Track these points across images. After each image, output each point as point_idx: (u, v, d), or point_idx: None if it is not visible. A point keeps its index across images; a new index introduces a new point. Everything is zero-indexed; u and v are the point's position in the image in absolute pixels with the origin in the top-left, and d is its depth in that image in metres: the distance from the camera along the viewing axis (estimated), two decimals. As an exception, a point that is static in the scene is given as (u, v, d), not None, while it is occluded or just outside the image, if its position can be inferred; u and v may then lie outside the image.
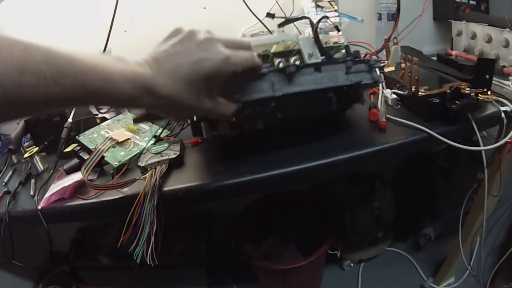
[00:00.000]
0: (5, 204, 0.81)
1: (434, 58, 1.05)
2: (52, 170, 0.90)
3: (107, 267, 1.15)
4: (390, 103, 0.80)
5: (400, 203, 1.17)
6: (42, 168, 0.96)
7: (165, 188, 0.65)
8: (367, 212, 1.10)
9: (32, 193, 0.84)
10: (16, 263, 0.87)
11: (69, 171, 0.83)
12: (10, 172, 1.06)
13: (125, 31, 1.06)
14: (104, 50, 0.93)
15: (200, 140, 0.77)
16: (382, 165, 1.22)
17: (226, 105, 0.54)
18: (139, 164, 0.70)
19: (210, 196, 0.64)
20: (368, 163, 0.67)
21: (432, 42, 1.18)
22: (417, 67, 0.70)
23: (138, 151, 0.76)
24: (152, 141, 0.78)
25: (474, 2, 1.11)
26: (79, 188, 0.75)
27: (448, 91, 0.69)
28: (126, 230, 0.63)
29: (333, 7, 1.00)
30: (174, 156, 0.70)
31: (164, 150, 0.72)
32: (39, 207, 0.74)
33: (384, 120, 0.71)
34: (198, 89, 0.47)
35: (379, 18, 1.07)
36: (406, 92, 0.76)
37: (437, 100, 0.69)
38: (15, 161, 1.11)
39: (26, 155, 0.95)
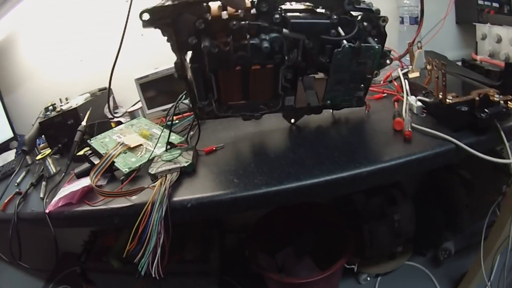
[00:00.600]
0: (15, 205, 0.79)
1: (459, 63, 0.98)
2: (63, 173, 0.86)
3: (117, 270, 1.10)
4: (415, 111, 0.72)
5: (420, 215, 1.08)
6: (54, 171, 0.93)
7: (175, 198, 0.60)
8: (387, 225, 1.02)
9: (42, 195, 0.81)
10: (23, 265, 0.83)
11: (80, 175, 0.79)
12: (24, 173, 1.03)
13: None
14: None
15: (214, 148, 0.71)
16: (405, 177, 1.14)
17: None
18: (149, 171, 0.65)
19: (222, 209, 0.59)
20: (392, 177, 0.60)
21: (455, 46, 1.10)
22: (445, 72, 0.62)
23: (150, 157, 0.70)
24: (164, 148, 0.72)
25: (497, 5, 1.04)
26: (87, 194, 0.71)
27: (477, 98, 0.62)
28: (132, 239, 0.58)
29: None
30: (186, 164, 0.64)
31: (176, 157, 0.66)
32: (47, 211, 0.71)
33: (409, 129, 0.64)
34: None
35: (401, 22, 1.00)
36: (432, 100, 0.69)
37: (466, 108, 0.62)
38: (29, 161, 1.08)
39: (39, 157, 0.91)
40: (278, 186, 0.56)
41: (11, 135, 1.25)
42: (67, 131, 0.97)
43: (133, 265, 0.58)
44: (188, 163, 0.64)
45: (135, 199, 0.62)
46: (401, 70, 0.82)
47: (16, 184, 0.96)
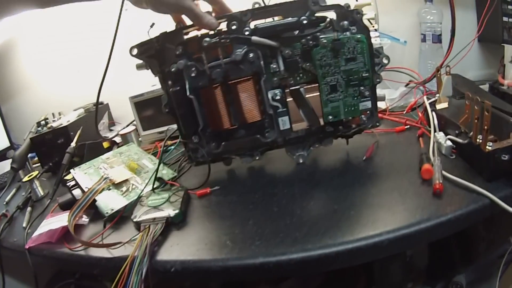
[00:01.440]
0: None
1: (482, 86, 0.82)
2: (49, 200, 0.75)
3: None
4: (443, 151, 0.58)
5: (433, 246, 0.94)
6: (41, 194, 0.82)
7: (158, 257, 0.46)
8: (399, 261, 0.88)
9: (24, 224, 0.70)
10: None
11: (64, 207, 0.68)
12: (14, 190, 0.92)
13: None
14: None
15: (209, 191, 0.58)
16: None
17: (206, 14, 0.53)
18: (132, 218, 0.53)
19: (210, 277, 0.46)
20: (417, 244, 0.46)
21: (476, 66, 0.95)
22: (490, 114, 0.48)
23: (136, 197, 0.57)
24: (152, 186, 0.59)
25: None
26: (68, 232, 0.58)
27: None
28: None
29: (373, 26, 0.78)
30: (173, 214, 0.51)
31: (163, 203, 0.52)
32: (27, 246, 0.61)
33: (440, 182, 0.49)
34: None
35: (423, 40, 0.85)
36: (466, 141, 0.54)
37: (507, 157, 0.48)
38: (21, 176, 0.97)
39: (25, 179, 0.79)
40: (279, 256, 0.42)
41: (7, 144, 1.14)
42: (58, 150, 0.86)
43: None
44: (176, 213, 0.51)
45: (115, 250, 0.50)
46: (427, 99, 0.66)
47: (5, 202, 0.87)
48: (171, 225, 0.51)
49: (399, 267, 0.88)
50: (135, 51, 0.59)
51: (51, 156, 0.88)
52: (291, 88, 0.59)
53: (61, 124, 0.86)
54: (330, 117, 0.59)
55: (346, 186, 0.53)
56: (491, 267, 0.83)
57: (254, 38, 0.56)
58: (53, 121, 0.92)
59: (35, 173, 0.80)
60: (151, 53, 0.59)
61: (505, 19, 0.87)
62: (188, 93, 0.58)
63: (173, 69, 0.58)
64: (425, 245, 0.88)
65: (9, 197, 0.88)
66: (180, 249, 0.47)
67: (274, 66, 0.58)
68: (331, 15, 0.57)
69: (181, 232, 0.50)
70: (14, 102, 1.15)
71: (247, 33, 0.56)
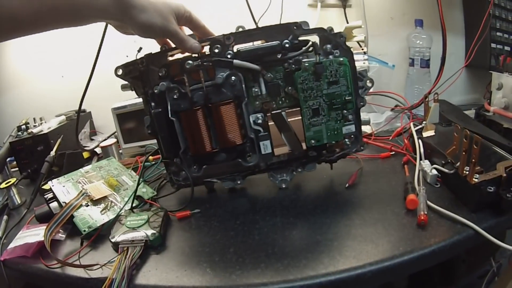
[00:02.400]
0: None
1: (468, 111, 0.83)
2: (26, 210, 0.72)
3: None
4: (428, 180, 0.58)
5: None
6: (19, 202, 0.78)
7: (136, 282, 0.44)
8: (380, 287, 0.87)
9: (0, 234, 0.66)
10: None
11: (40, 219, 0.66)
12: (-10, 196, 0.88)
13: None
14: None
15: (189, 214, 0.56)
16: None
17: (189, 38, 0.54)
18: (110, 238, 0.51)
19: None
20: (400, 275, 0.46)
21: (462, 91, 0.96)
22: (479, 147, 0.48)
23: (114, 216, 0.55)
24: (131, 205, 0.57)
25: (508, 48, 0.90)
26: (44, 247, 0.55)
27: (504, 174, 0.48)
28: None
29: (362, 49, 0.78)
30: (151, 237, 0.49)
31: (142, 225, 0.50)
32: (2, 258, 0.57)
33: (425, 213, 0.49)
34: (165, 15, 0.50)
35: (411, 64, 0.85)
36: (453, 172, 0.54)
37: (492, 189, 0.48)
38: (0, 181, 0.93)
39: (2, 185, 0.76)
40: (261, 287, 0.40)
41: (-14, 144, 1.09)
42: (37, 157, 0.82)
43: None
44: (155, 236, 0.49)
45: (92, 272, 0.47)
46: (414, 125, 0.66)
47: None
48: (150, 248, 0.49)
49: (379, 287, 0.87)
50: (120, 72, 0.58)
51: (30, 163, 0.84)
52: (272, 112, 0.58)
53: (42, 131, 0.83)
54: (313, 141, 0.58)
55: (329, 215, 0.52)
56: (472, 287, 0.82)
57: (236, 61, 0.55)
58: (34, 126, 0.88)
59: (12, 180, 0.77)
60: (135, 74, 0.58)
61: (493, 45, 0.89)
62: (170, 115, 0.57)
63: (156, 91, 0.57)
64: (409, 274, 0.89)
65: (-16, 203, 0.85)
66: (159, 274, 0.45)
67: (256, 89, 0.58)
68: (315, 38, 0.57)
69: (160, 256, 0.48)
70: None
71: (229, 56, 0.56)
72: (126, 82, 0.60)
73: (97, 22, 0.48)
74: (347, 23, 0.86)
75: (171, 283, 0.43)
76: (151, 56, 0.57)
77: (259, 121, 0.58)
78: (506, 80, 0.77)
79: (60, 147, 0.79)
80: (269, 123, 0.58)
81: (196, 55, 0.56)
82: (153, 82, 0.57)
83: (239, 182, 0.61)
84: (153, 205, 0.59)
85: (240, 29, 0.57)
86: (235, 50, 0.56)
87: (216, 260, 0.46)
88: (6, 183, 0.76)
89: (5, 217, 0.72)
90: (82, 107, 0.82)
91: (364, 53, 0.77)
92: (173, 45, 0.56)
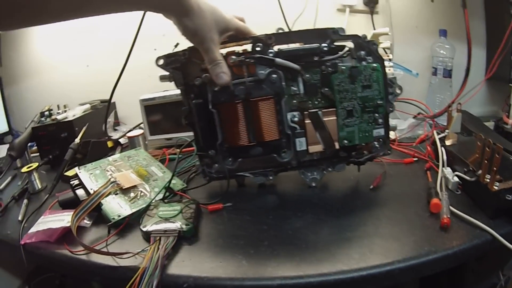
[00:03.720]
0: None
1: (486, 123, 0.85)
2: (48, 194, 0.72)
3: (97, 294, 0.96)
4: (450, 186, 0.59)
5: (422, 277, 0.95)
6: (39, 187, 0.79)
7: (169, 272, 0.45)
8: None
9: (20, 218, 0.67)
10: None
11: (64, 205, 0.66)
12: (10, 178, 0.89)
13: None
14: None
15: (221, 207, 0.58)
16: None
17: (219, 59, 0.54)
18: (141, 227, 0.51)
19: None
20: (422, 273, 0.48)
21: (481, 103, 0.97)
22: (500, 157, 0.50)
23: (144, 205, 0.56)
24: (162, 195, 0.58)
25: None
26: (68, 234, 0.56)
27: None
28: None
29: (388, 56, 0.80)
30: (185, 228, 0.50)
31: (175, 215, 0.52)
32: (22, 242, 0.57)
33: (448, 216, 0.51)
34: (208, 29, 0.51)
35: (434, 73, 0.87)
36: (474, 179, 0.56)
37: (510, 197, 0.50)
38: (18, 165, 0.94)
39: (24, 169, 0.77)
40: (297, 280, 0.42)
41: (6, 128, 1.11)
42: (60, 143, 0.83)
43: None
44: (188, 227, 0.50)
45: (121, 260, 0.48)
46: (438, 133, 0.68)
47: None
48: (182, 239, 0.50)
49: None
50: (161, 62, 0.60)
51: (52, 149, 0.85)
52: (310, 111, 0.60)
53: (66, 118, 0.84)
54: (346, 141, 0.60)
55: (357, 214, 0.54)
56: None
57: (278, 59, 0.58)
58: (58, 113, 0.89)
59: (34, 165, 0.78)
60: (176, 66, 0.60)
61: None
62: (210, 107, 0.59)
63: (197, 82, 0.59)
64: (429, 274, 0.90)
65: (3, 186, 0.85)
66: (193, 264, 0.46)
67: (295, 88, 0.60)
68: (349, 44, 0.60)
69: (193, 247, 0.50)
70: (18, 87, 1.12)
71: (271, 55, 0.58)
72: (166, 73, 0.61)
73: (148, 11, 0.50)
74: (374, 29, 0.88)
75: (206, 273, 0.44)
76: (195, 49, 0.58)
77: (296, 119, 0.60)
78: (525, 94, 0.79)
79: (84, 135, 0.80)
80: (305, 122, 0.60)
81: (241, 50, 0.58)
82: (194, 74, 0.59)
83: (270, 177, 0.63)
84: (184, 196, 0.61)
85: (280, 31, 0.59)
86: (275, 49, 0.59)
87: (251, 252, 0.47)
88: (28, 167, 0.77)
89: (25, 201, 0.73)
90: (108, 98, 0.84)
91: (390, 60, 0.79)
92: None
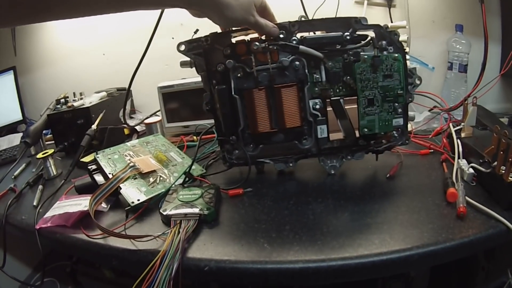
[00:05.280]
0: (6, 206, 0.67)
1: (504, 120, 0.85)
2: (64, 180, 0.74)
3: (108, 280, 0.97)
4: (465, 178, 0.60)
5: (433, 270, 0.96)
6: (54, 173, 0.80)
7: (189, 255, 0.46)
8: (402, 280, 0.89)
9: (35, 203, 0.68)
10: (4, 272, 0.72)
11: (80, 190, 0.67)
12: (24, 165, 0.90)
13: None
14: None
15: (242, 192, 0.59)
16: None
17: (268, 24, 0.56)
18: (161, 211, 0.52)
19: (246, 279, 0.45)
20: (440, 260, 0.48)
21: (496, 99, 0.97)
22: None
23: (164, 190, 0.57)
24: (182, 179, 0.59)
25: None
26: (85, 218, 0.57)
27: None
28: None
29: (405, 49, 0.80)
30: (206, 212, 0.51)
31: (195, 199, 0.53)
32: (37, 227, 0.59)
33: (464, 205, 0.51)
34: (247, 8, 0.53)
35: (450, 68, 0.87)
36: (489, 170, 0.56)
37: None
38: (32, 152, 0.95)
39: (39, 155, 0.78)
40: (319, 263, 0.43)
41: (20, 117, 1.12)
42: (75, 130, 0.85)
43: (125, 278, 0.47)
44: (210, 210, 0.51)
45: (140, 243, 0.49)
46: (453, 126, 0.69)
47: (13, 176, 0.84)
48: (203, 223, 0.51)
49: (401, 286, 0.89)
50: (183, 47, 0.61)
51: (67, 136, 0.86)
52: (332, 99, 0.61)
53: (83, 105, 0.85)
54: (366, 129, 0.61)
55: (377, 201, 0.55)
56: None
57: (301, 47, 0.58)
58: (74, 100, 0.90)
59: (50, 151, 0.79)
60: (198, 51, 0.61)
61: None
62: (233, 93, 0.60)
63: (219, 68, 0.60)
64: (448, 261, 0.91)
65: (18, 172, 0.86)
66: (214, 248, 0.47)
67: (317, 76, 0.61)
68: (371, 34, 0.60)
69: (214, 231, 0.50)
70: (32, 77, 1.13)
71: (294, 42, 0.59)
72: (187, 59, 0.62)
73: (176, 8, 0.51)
74: (391, 22, 0.88)
75: (228, 256, 0.45)
76: (217, 35, 0.60)
77: (318, 106, 0.61)
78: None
79: (100, 122, 0.81)
80: (327, 109, 0.61)
81: (264, 37, 0.59)
82: (216, 61, 0.60)
83: (291, 164, 0.64)
84: (203, 182, 0.62)
85: (303, 18, 0.60)
86: (298, 37, 0.59)
87: (273, 236, 0.48)
88: (43, 153, 0.78)
89: (40, 186, 0.74)
90: (124, 86, 0.84)
91: (406, 53, 0.79)
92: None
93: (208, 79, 0.61)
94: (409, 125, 0.77)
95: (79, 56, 1.09)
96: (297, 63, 0.59)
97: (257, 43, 0.58)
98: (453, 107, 0.75)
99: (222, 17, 0.52)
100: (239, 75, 0.60)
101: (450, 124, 0.70)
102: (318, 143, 0.62)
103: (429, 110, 0.82)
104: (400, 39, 0.81)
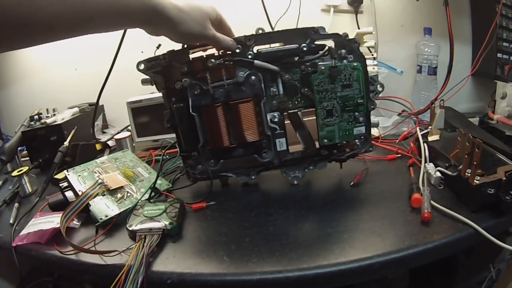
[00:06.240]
0: None
1: (472, 119, 0.87)
2: (38, 198, 0.74)
3: (90, 295, 0.97)
4: (432, 181, 0.61)
5: (414, 270, 0.97)
6: (30, 190, 0.80)
7: (154, 269, 0.47)
8: (380, 284, 0.90)
9: (11, 221, 0.68)
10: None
11: (54, 207, 0.68)
12: (0, 182, 0.90)
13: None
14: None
15: (205, 206, 0.60)
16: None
17: (225, 38, 0.57)
18: (127, 226, 0.53)
19: None
20: (405, 267, 0.49)
21: (468, 99, 0.99)
22: (480, 151, 0.51)
23: (131, 205, 0.58)
24: (148, 195, 0.60)
25: None
26: (58, 235, 0.57)
27: (504, 178, 0.52)
28: None
29: (372, 54, 0.82)
30: (169, 226, 0.52)
31: (160, 214, 0.54)
32: (14, 244, 0.59)
33: (429, 211, 0.52)
34: (202, 22, 0.53)
35: (419, 71, 0.89)
36: (455, 174, 0.57)
37: (492, 191, 0.52)
38: (9, 169, 0.95)
39: (15, 173, 0.78)
40: (276, 274, 0.44)
41: (-4, 133, 1.12)
42: (49, 147, 0.85)
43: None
44: (173, 225, 0.52)
45: (109, 258, 0.50)
46: (420, 130, 0.70)
47: None
48: (167, 237, 0.52)
49: (379, 288, 0.90)
50: (142, 66, 0.61)
51: (42, 153, 0.87)
52: (289, 111, 0.61)
53: (55, 121, 0.86)
54: (326, 140, 0.62)
55: (339, 210, 0.56)
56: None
57: (256, 61, 0.59)
58: (47, 117, 0.91)
59: (25, 169, 0.79)
60: (157, 70, 0.61)
61: (499, 55, 0.92)
62: (191, 110, 0.61)
63: (177, 86, 0.60)
64: (414, 267, 0.92)
65: (-5, 189, 0.87)
66: (176, 261, 0.48)
67: (274, 89, 0.61)
68: (330, 43, 0.61)
69: (177, 245, 0.51)
70: (7, 92, 1.13)
71: (250, 57, 0.59)
72: (147, 77, 0.62)
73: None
74: (358, 28, 0.90)
75: (189, 269, 0.46)
76: (174, 52, 0.60)
77: (276, 120, 0.62)
78: (510, 89, 0.81)
79: (73, 138, 0.82)
80: (285, 122, 0.61)
81: (220, 53, 0.59)
82: (175, 78, 0.60)
83: (253, 177, 0.64)
84: (169, 196, 0.63)
85: (260, 31, 0.60)
86: (255, 51, 0.60)
87: (232, 248, 0.49)
88: (18, 171, 0.79)
89: (16, 204, 0.74)
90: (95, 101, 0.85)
91: (374, 58, 0.81)
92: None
93: (167, 96, 0.62)
94: (376, 131, 0.79)
95: (52, 71, 1.10)
96: (252, 78, 0.60)
97: (212, 60, 0.58)
98: (421, 110, 0.77)
99: (177, 33, 0.52)
100: (196, 92, 0.60)
101: (417, 128, 0.71)
102: (279, 156, 0.63)
103: (398, 115, 0.84)
104: (368, 44, 0.84)
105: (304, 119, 0.62)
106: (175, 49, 0.61)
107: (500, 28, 0.93)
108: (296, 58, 0.60)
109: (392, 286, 0.92)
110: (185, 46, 0.61)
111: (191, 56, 0.61)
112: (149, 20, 0.49)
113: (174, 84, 0.60)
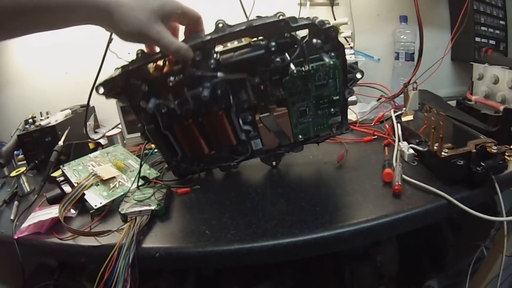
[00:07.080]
0: None
1: (452, 102, 0.93)
2: (36, 195, 0.80)
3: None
4: (406, 158, 0.67)
5: (404, 253, 1.03)
6: (28, 189, 0.87)
7: (143, 245, 0.54)
8: (370, 266, 0.96)
9: (12, 217, 0.74)
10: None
11: (52, 201, 0.73)
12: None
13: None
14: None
15: (190, 190, 0.66)
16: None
17: (174, 40, 0.51)
18: (119, 210, 0.60)
19: (191, 263, 0.53)
20: (377, 237, 0.55)
21: (449, 83, 1.05)
22: (444, 124, 0.57)
23: (122, 193, 0.65)
24: (137, 184, 0.67)
25: (493, 42, 0.99)
26: (57, 224, 0.64)
27: (474, 150, 0.57)
28: (98, 284, 0.51)
29: (349, 44, 0.88)
30: (157, 207, 0.58)
31: (148, 198, 0.60)
32: (15, 237, 0.65)
33: (399, 183, 0.58)
34: (144, 20, 0.47)
35: (397, 58, 0.95)
36: (426, 149, 0.63)
37: (462, 162, 0.57)
38: (6, 173, 1.02)
39: (13, 174, 0.85)
40: (252, 243, 0.50)
41: (-10, 139, 1.19)
42: (44, 148, 0.92)
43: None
44: (160, 206, 0.58)
45: (103, 239, 0.56)
46: (394, 112, 0.77)
47: None
48: (155, 217, 0.58)
49: (370, 272, 0.96)
50: (101, 90, 0.57)
51: (37, 154, 0.93)
52: (261, 116, 0.62)
53: (49, 123, 0.92)
54: (300, 136, 0.65)
55: (313, 187, 0.62)
56: (462, 274, 0.90)
57: (220, 74, 0.56)
58: (41, 119, 0.98)
59: (22, 169, 0.86)
60: (117, 91, 0.58)
61: (477, 39, 0.98)
62: (162, 130, 0.63)
63: (143, 106, 0.58)
64: (387, 237, 0.96)
65: (-5, 192, 0.93)
66: (163, 237, 0.54)
67: (244, 95, 0.60)
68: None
69: (164, 224, 0.58)
70: (1, 96, 1.19)
71: (213, 61, 0.55)
72: (103, 91, 0.59)
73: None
74: (335, 20, 0.97)
75: (174, 243, 0.53)
76: (129, 71, 0.55)
77: (249, 120, 0.63)
78: (486, 70, 0.87)
79: (66, 138, 0.88)
80: (259, 126, 0.63)
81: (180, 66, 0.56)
82: (138, 95, 0.58)
83: (234, 169, 0.70)
84: (157, 183, 0.69)
85: (220, 24, 0.53)
86: (218, 53, 0.56)
87: (213, 223, 0.55)
88: (16, 172, 0.85)
89: (15, 202, 0.80)
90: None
91: (351, 48, 0.88)
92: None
93: (136, 114, 0.62)
94: (354, 116, 0.85)
95: (43, 75, 1.16)
96: (218, 91, 0.58)
97: (172, 78, 0.55)
98: (395, 94, 0.83)
99: (119, 32, 0.47)
100: (163, 111, 0.59)
101: (391, 110, 0.78)
102: (256, 153, 0.68)
103: (377, 100, 0.90)
104: (344, 35, 0.90)
105: (277, 114, 0.62)
106: (130, 67, 0.55)
107: (478, 13, 0.99)
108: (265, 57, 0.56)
109: (382, 269, 0.98)
110: (137, 57, 0.55)
111: (152, 68, 0.57)
112: (93, 17, 0.46)
113: (139, 101, 0.58)
